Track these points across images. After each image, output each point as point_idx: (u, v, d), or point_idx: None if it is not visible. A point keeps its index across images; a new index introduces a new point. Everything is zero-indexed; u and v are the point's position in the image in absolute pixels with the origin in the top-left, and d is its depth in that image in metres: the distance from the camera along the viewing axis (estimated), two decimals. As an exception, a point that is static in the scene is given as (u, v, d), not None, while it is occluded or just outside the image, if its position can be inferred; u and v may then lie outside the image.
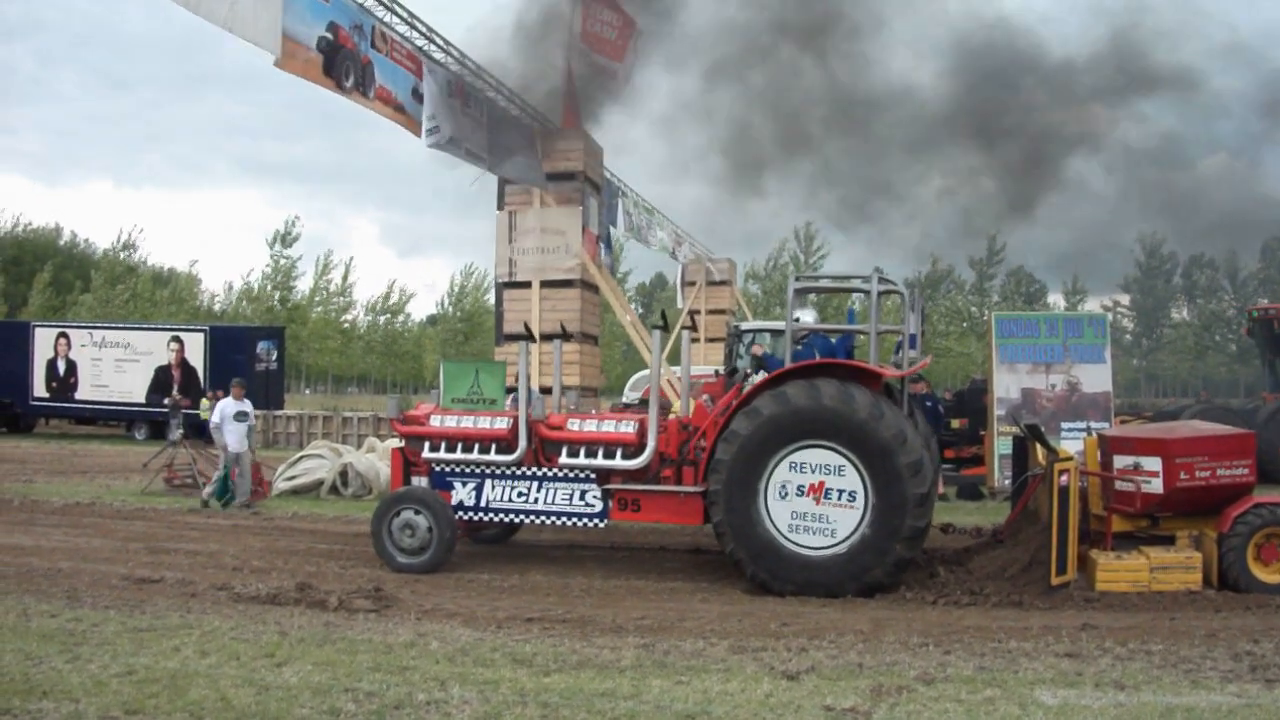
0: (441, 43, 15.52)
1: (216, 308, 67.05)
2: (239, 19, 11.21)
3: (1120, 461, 9.84)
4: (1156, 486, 9.50)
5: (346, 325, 65.82)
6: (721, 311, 31.95)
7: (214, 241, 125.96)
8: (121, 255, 65.59)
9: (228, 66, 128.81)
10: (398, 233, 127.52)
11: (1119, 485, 9.82)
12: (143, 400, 29.76)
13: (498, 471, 10.65)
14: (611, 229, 24.52)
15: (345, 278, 64.77)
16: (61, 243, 72.98)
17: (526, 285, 18.33)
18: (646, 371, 14.81)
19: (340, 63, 12.72)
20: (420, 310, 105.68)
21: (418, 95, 14.36)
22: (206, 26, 11.12)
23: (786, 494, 9.46)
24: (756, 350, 14.45)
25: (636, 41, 20.65)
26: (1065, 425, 15.75)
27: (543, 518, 10.59)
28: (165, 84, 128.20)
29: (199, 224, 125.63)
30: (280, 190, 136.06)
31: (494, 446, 10.68)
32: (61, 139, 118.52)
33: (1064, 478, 9.09)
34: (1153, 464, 9.54)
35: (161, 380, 29.61)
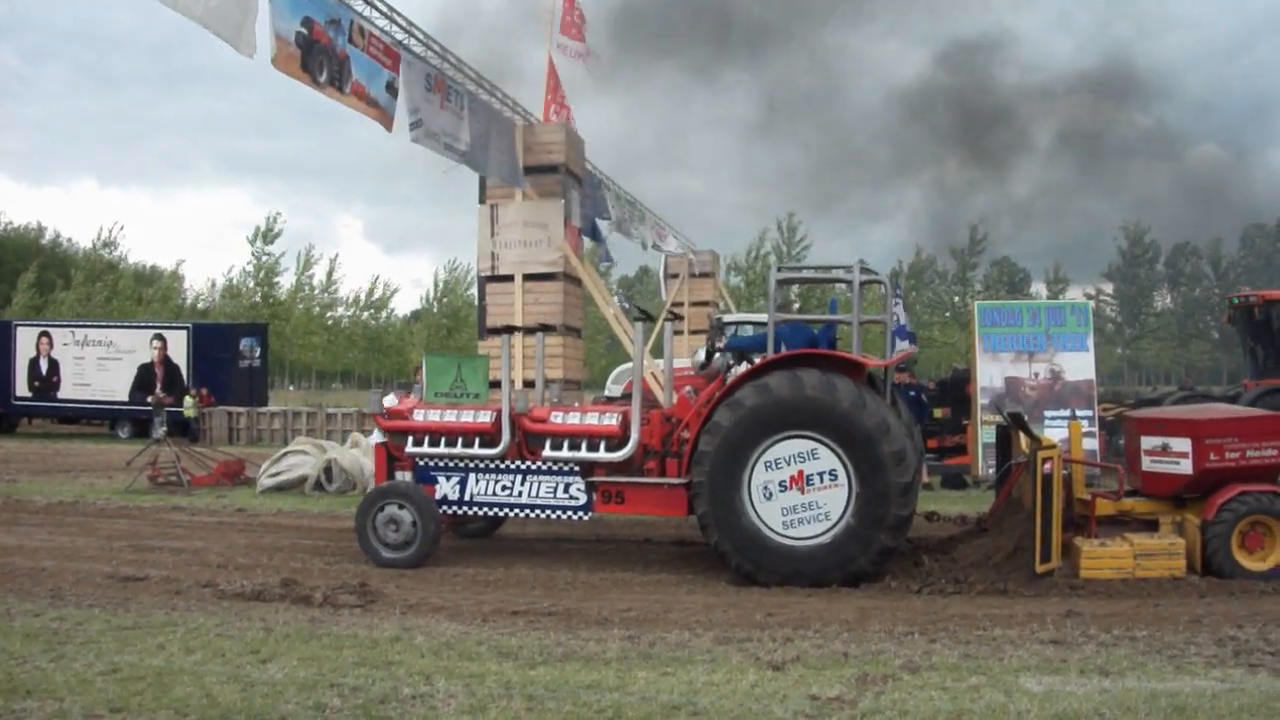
0: (422, 36, 15.43)
1: (200, 305, 66.81)
2: (213, 14, 11.11)
3: (1148, 443, 9.79)
4: (1185, 468, 9.50)
5: (330, 322, 65.69)
6: (705, 303, 31.94)
7: (200, 239, 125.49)
8: (102, 253, 65.25)
9: (213, 63, 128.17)
10: (383, 228, 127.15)
11: (1147, 466, 9.78)
12: (126, 398, 29.63)
13: (481, 465, 10.64)
14: (603, 221, 24.46)
15: (330, 274, 64.70)
16: (44, 242, 72.60)
17: (509, 279, 18.27)
18: (629, 364, 14.79)
19: (315, 57, 12.67)
20: (404, 305, 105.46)
21: (392, 89, 14.26)
22: (191, 23, 10.97)
23: (771, 494, 9.44)
24: None
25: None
26: (1048, 413, 15.85)
27: (527, 511, 10.58)
28: (151, 81, 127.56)
29: (185, 221, 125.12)
30: (266, 187, 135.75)
31: (477, 440, 10.67)
32: (47, 137, 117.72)
33: (1047, 465, 9.12)
34: (1182, 445, 9.51)
35: (144, 378, 29.50)
